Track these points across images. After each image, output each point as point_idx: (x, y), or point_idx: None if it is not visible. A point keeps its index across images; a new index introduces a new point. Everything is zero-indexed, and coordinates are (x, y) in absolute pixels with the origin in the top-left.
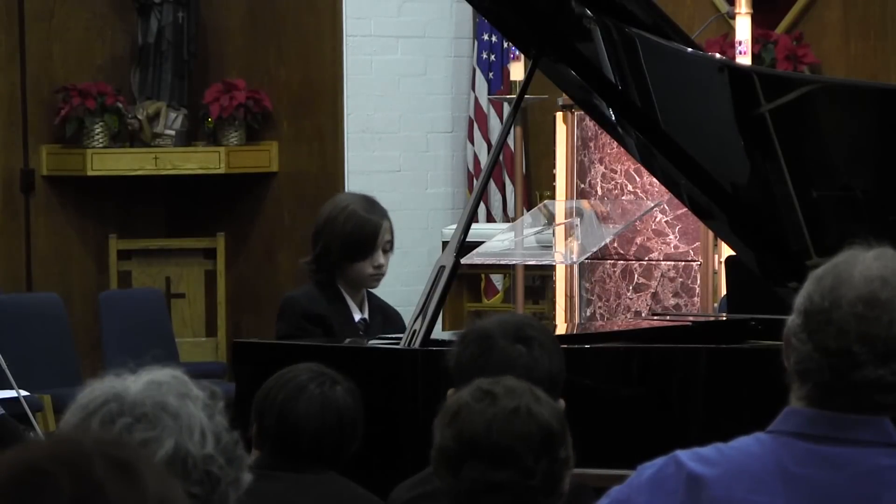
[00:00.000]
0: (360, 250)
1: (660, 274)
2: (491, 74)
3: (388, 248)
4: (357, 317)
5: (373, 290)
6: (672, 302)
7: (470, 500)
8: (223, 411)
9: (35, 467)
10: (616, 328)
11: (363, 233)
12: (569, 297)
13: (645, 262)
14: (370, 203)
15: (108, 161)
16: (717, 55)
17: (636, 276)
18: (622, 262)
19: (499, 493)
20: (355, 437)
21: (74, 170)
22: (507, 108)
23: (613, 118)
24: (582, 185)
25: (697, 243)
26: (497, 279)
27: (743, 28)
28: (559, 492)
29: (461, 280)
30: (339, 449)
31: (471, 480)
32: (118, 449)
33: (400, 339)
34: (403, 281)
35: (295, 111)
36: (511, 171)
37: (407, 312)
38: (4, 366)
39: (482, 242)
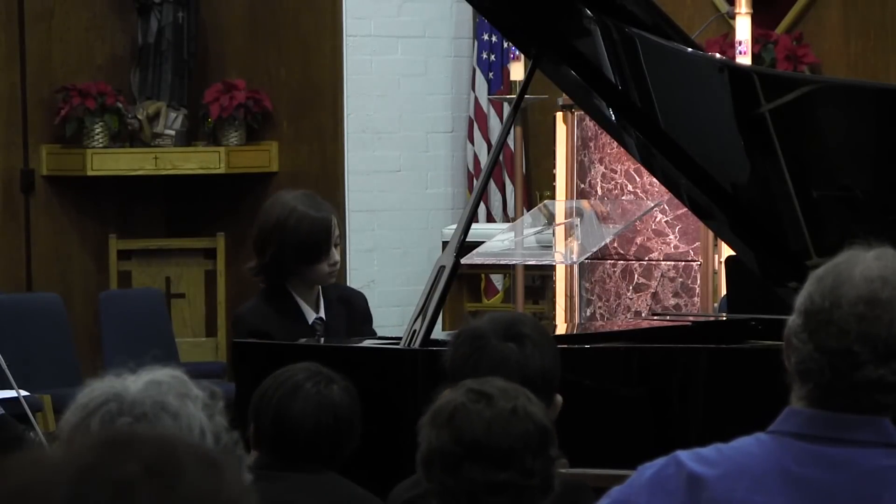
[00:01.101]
0: (315, 253)
1: (660, 274)
2: (491, 74)
3: (339, 243)
4: (311, 318)
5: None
6: (672, 302)
7: (469, 500)
8: (223, 411)
9: (130, 433)
10: (616, 328)
11: (317, 235)
12: (569, 297)
13: (645, 262)
14: (314, 200)
15: (107, 161)
16: (717, 55)
17: (636, 276)
18: (622, 262)
19: (499, 493)
20: (352, 436)
21: (74, 170)
22: (507, 108)
23: (613, 118)
24: (582, 185)
25: (697, 243)
26: (497, 279)
27: (743, 28)
28: (552, 489)
29: (461, 280)
30: (337, 448)
31: (470, 481)
32: (211, 451)
33: (398, 338)
34: (403, 281)
35: (295, 111)
36: (511, 171)
37: (407, 312)
38: (4, 366)
39: (482, 242)
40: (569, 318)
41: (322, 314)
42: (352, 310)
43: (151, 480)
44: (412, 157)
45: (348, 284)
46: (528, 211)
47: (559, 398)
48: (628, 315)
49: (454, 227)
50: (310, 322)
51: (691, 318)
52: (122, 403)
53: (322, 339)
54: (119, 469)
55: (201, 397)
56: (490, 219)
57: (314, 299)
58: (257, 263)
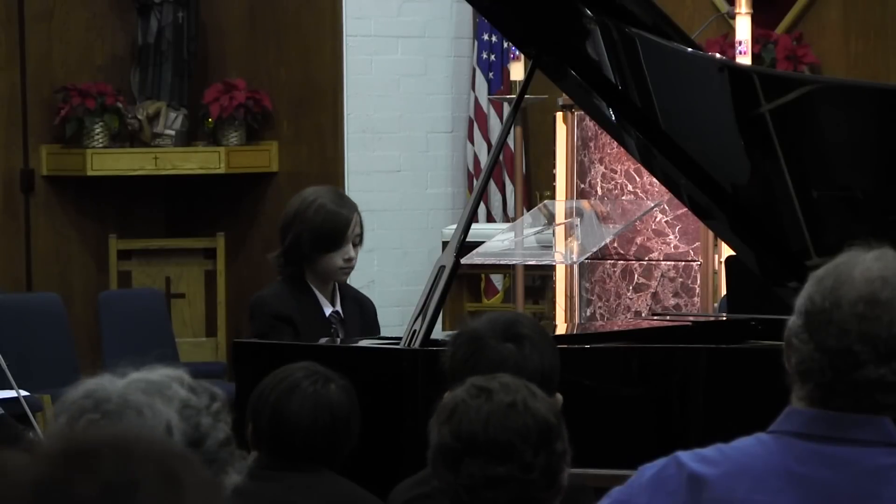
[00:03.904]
0: (330, 242)
1: (660, 274)
2: (491, 74)
3: (358, 242)
4: (328, 310)
5: (348, 283)
6: (672, 302)
7: (470, 496)
8: (217, 413)
9: (89, 447)
10: (616, 328)
11: (334, 225)
12: (569, 297)
13: (645, 262)
14: (339, 196)
15: (107, 161)
16: (717, 55)
17: (636, 276)
18: (622, 262)
19: (498, 488)
20: (350, 435)
21: (74, 170)
22: (507, 108)
23: (613, 118)
24: (582, 185)
25: (697, 243)
26: (497, 279)
27: (743, 28)
28: (557, 486)
29: (461, 280)
30: (334, 447)
31: (470, 476)
32: (172, 459)
33: (398, 338)
34: (403, 281)
35: (295, 111)
36: (511, 171)
37: (407, 312)
38: (4, 366)
39: (482, 242)
40: (569, 318)
41: (339, 308)
42: (364, 312)
43: (106, 501)
44: (412, 157)
45: (348, 284)
46: (528, 211)
47: (559, 397)
48: (628, 315)
49: (454, 227)
50: (327, 314)
51: (691, 318)
52: (96, 400)
53: (338, 332)
54: (73, 488)
55: (180, 397)
56: (490, 219)
57: (330, 293)
58: (280, 251)
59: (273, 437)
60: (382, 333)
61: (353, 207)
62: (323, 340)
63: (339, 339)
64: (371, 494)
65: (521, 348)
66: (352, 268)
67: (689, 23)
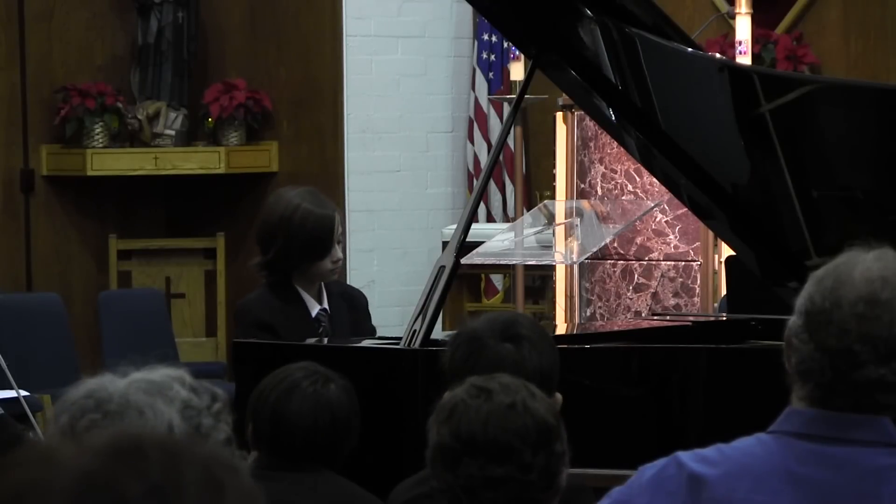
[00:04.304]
0: (320, 250)
1: (660, 274)
2: (491, 74)
3: (342, 240)
4: (315, 310)
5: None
6: (672, 302)
7: (468, 496)
8: (218, 414)
9: (138, 445)
10: (616, 328)
11: (321, 231)
12: (569, 297)
13: (645, 262)
14: (317, 197)
15: (107, 161)
16: (717, 55)
17: (636, 276)
18: (622, 262)
19: (497, 488)
20: (350, 435)
21: (74, 170)
22: (507, 108)
23: (613, 118)
24: (582, 185)
25: (697, 243)
26: (497, 279)
27: (743, 28)
28: (556, 486)
29: (461, 280)
30: (335, 447)
31: (468, 477)
32: (218, 466)
33: (398, 338)
34: (403, 281)
35: (295, 111)
36: (511, 171)
37: (407, 312)
38: (4, 366)
39: (482, 242)
40: (569, 318)
41: (326, 305)
42: (354, 306)
43: (150, 502)
44: (412, 157)
45: (348, 284)
46: (528, 211)
47: (559, 397)
48: (628, 315)
49: (454, 227)
50: (314, 314)
51: (691, 318)
52: (98, 400)
53: (326, 331)
54: (119, 486)
55: (181, 398)
56: (490, 219)
57: (316, 292)
58: (261, 259)
59: (273, 437)
60: (383, 333)
61: (332, 207)
62: (311, 341)
63: (325, 339)
64: (371, 494)
65: (520, 348)
66: (339, 266)
67: (689, 23)
